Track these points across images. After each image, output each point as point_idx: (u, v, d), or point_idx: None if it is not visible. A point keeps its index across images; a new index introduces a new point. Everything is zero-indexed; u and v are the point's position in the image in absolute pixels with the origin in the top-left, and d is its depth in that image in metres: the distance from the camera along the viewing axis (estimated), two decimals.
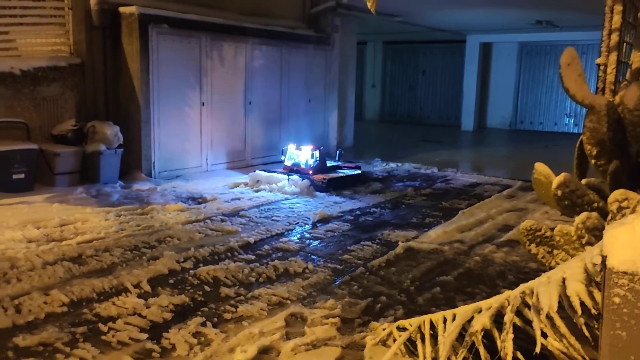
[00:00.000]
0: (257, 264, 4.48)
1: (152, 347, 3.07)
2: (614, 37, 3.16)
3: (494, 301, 2.53)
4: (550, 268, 2.67)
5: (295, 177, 7.61)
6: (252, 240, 5.14)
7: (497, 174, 9.28)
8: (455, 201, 7.20)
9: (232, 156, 9.08)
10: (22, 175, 6.59)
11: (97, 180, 7.19)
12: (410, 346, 2.86)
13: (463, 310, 2.64)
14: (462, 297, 3.93)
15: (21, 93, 7.03)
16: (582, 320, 2.11)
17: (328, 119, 11.18)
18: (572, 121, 16.69)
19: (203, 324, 3.36)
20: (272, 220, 5.93)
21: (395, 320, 3.29)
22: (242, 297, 3.81)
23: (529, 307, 2.35)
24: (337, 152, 9.39)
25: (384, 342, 3.01)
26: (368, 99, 19.65)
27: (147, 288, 3.90)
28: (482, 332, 2.44)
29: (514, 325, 2.37)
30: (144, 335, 3.21)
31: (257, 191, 7.30)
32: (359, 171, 8.45)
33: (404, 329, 2.91)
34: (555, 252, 2.81)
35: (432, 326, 2.76)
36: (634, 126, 2.62)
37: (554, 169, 2.93)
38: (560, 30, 14.40)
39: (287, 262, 4.54)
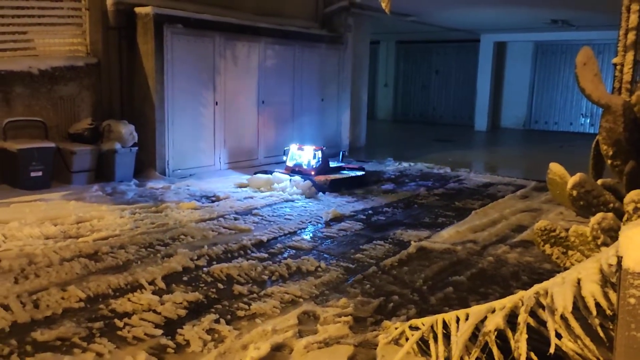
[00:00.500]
0: (270, 262, 4.51)
1: (166, 343, 3.11)
2: (631, 36, 3.13)
3: (508, 301, 2.52)
4: (565, 269, 2.66)
5: (297, 178, 7.48)
6: (265, 238, 5.17)
7: (511, 174, 9.22)
8: (468, 201, 7.17)
9: (245, 155, 9.12)
10: (40, 173, 6.69)
11: (112, 178, 7.28)
12: (423, 345, 2.86)
13: (476, 310, 2.64)
14: (475, 297, 3.92)
15: (39, 92, 7.13)
16: (597, 321, 2.10)
17: (341, 119, 11.18)
18: (588, 121, 16.52)
19: (217, 321, 3.39)
20: (285, 218, 5.96)
21: (408, 319, 3.29)
22: (255, 295, 3.84)
23: (543, 307, 2.34)
24: (340, 152, 9.27)
25: (396, 341, 3.02)
26: (380, 99, 19.61)
27: (162, 285, 3.95)
28: (496, 332, 2.43)
29: (528, 326, 2.36)
30: (159, 331, 3.25)
31: (255, 192, 7.17)
32: (362, 172, 8.25)
33: (417, 328, 2.92)
34: (570, 252, 2.80)
35: (445, 326, 2.76)
36: None
37: (569, 170, 2.91)
38: (575, 30, 14.26)
39: (300, 260, 4.56)
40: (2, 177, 6.72)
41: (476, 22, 14.09)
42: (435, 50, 18.74)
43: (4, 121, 6.76)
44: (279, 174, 7.71)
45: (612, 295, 2.08)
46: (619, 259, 1.82)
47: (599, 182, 2.96)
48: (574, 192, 2.73)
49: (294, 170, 7.87)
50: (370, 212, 6.47)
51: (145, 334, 3.21)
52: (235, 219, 5.86)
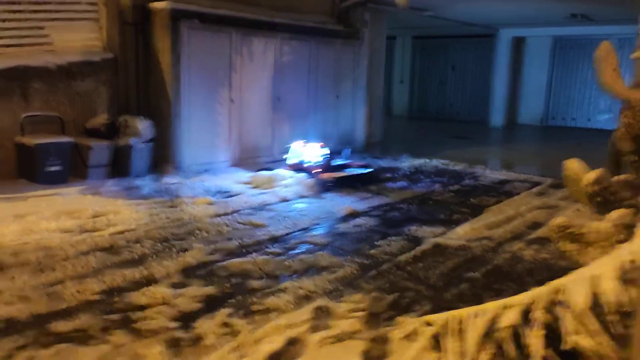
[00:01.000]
0: (284, 257, 4.52)
1: (181, 336, 3.14)
2: None
3: (524, 297, 2.50)
4: (582, 265, 2.63)
5: (300, 175, 7.41)
6: (279, 233, 5.18)
7: (527, 171, 9.12)
8: (483, 198, 7.11)
9: (260, 151, 9.13)
10: (57, 168, 6.77)
11: (128, 174, 7.34)
12: (437, 341, 2.84)
13: (491, 306, 2.62)
14: (490, 293, 3.88)
15: (56, 87, 7.21)
16: (614, 317, 2.07)
17: (356, 115, 11.14)
18: (607, 117, 16.26)
19: (231, 315, 3.41)
20: (300, 214, 5.96)
21: (422, 315, 3.28)
22: (269, 290, 3.85)
23: (559, 304, 2.31)
24: (346, 150, 9.15)
25: (410, 337, 3.01)
26: (396, 95, 19.50)
27: (177, 279, 3.98)
28: (511, 329, 2.41)
29: (544, 322, 2.33)
30: (174, 325, 3.27)
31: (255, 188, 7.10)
32: (369, 170, 8.09)
33: (431, 325, 2.90)
34: (587, 249, 2.76)
35: (460, 322, 2.74)
36: None
37: (587, 166, 2.87)
38: (595, 24, 14.03)
39: (314, 255, 4.56)
40: (19, 171, 6.82)
41: (494, 16, 13.93)
42: (452, 45, 18.56)
43: (22, 116, 6.85)
44: (282, 171, 7.61)
45: (631, 292, 2.05)
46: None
47: (615, 178, 2.91)
48: (591, 189, 2.69)
49: (297, 168, 7.79)
50: (385, 208, 6.44)
51: (160, 327, 3.24)
52: (250, 214, 5.88)
